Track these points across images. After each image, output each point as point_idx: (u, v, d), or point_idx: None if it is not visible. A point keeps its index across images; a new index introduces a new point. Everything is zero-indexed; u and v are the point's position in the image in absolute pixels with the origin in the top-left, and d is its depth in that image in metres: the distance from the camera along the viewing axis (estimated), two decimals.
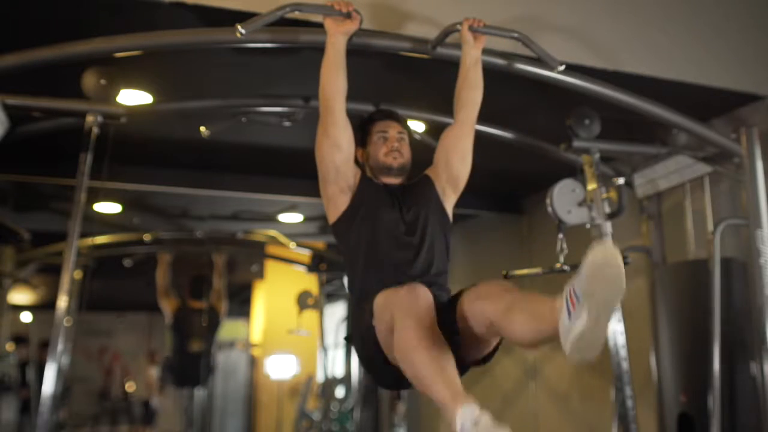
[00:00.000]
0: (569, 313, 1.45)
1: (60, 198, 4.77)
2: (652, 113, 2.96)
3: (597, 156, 3.39)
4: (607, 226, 3.33)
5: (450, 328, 1.83)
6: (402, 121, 2.32)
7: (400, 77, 3.16)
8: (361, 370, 6.61)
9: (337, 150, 2.13)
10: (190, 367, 6.03)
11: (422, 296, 1.75)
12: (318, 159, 2.16)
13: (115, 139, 2.89)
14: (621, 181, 3.31)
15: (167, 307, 6.03)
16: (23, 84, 2.73)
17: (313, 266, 6.63)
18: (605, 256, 1.41)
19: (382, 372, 1.96)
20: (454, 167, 2.27)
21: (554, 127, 3.37)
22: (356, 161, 2.23)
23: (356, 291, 2.12)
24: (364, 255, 2.11)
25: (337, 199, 2.17)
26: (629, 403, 3.26)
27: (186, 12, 2.37)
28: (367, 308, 1.89)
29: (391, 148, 2.23)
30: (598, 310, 1.40)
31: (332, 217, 2.19)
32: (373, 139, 2.26)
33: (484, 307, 1.73)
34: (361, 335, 1.94)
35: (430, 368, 1.60)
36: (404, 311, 1.70)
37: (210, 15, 2.40)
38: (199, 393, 7.50)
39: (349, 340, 2.13)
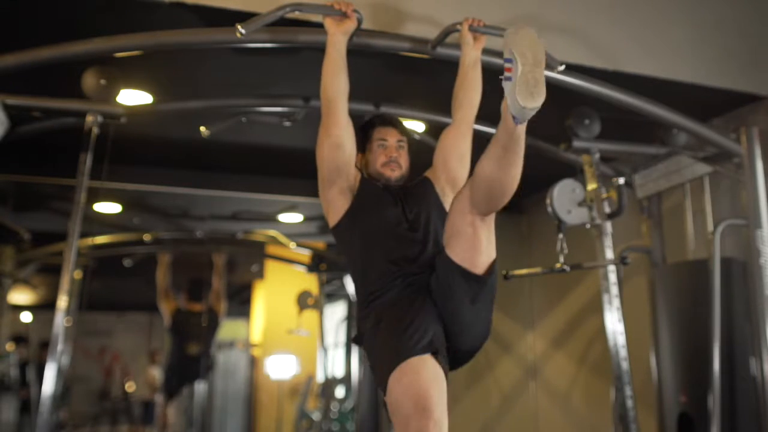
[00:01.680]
0: (510, 78, 1.62)
1: (60, 198, 4.77)
2: (652, 113, 2.96)
3: (597, 156, 3.39)
4: (607, 226, 3.34)
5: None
6: (402, 128, 2.29)
7: (400, 77, 3.16)
8: (361, 370, 6.61)
9: (339, 150, 2.11)
10: (188, 369, 6.03)
11: (432, 367, 1.79)
12: (319, 160, 2.14)
13: (115, 139, 2.89)
14: (621, 181, 3.32)
15: (166, 309, 6.03)
16: (23, 84, 2.74)
17: (313, 266, 6.63)
18: (514, 26, 1.66)
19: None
20: (453, 168, 2.26)
21: (554, 127, 3.37)
22: (355, 165, 2.22)
23: (362, 292, 2.10)
24: (369, 254, 2.08)
25: (337, 201, 2.14)
26: (629, 403, 3.26)
27: (186, 12, 2.37)
28: (385, 355, 1.87)
29: (390, 158, 2.20)
30: (527, 54, 1.60)
31: (333, 220, 2.17)
32: (373, 146, 2.23)
33: (459, 198, 1.87)
34: (376, 366, 1.94)
35: None
36: (416, 414, 1.71)
37: (210, 15, 2.40)
38: (200, 393, 7.50)
39: (357, 341, 2.11)
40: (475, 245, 1.85)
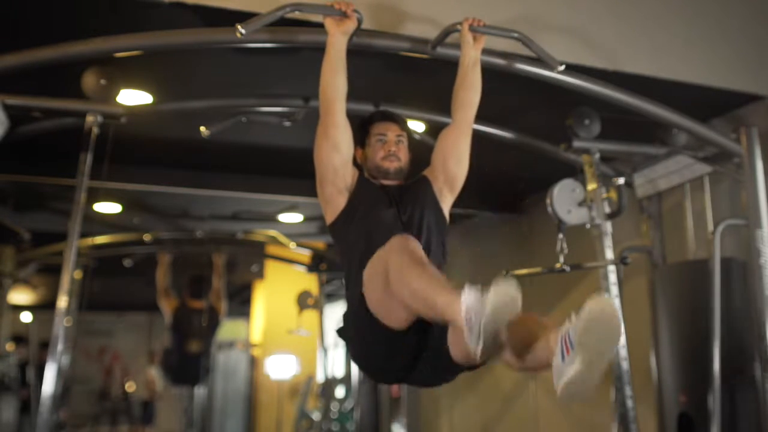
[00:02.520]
0: (563, 357, 1.47)
1: (60, 198, 4.77)
2: (652, 113, 2.95)
3: (597, 156, 3.39)
4: (607, 226, 3.34)
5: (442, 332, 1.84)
6: (401, 123, 2.30)
7: (400, 77, 3.16)
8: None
9: (336, 151, 2.12)
10: (188, 367, 6.03)
11: (411, 238, 1.85)
12: (316, 160, 2.15)
13: (115, 139, 2.89)
14: (621, 181, 3.32)
15: (167, 307, 6.03)
16: (23, 84, 2.74)
17: (313, 266, 6.63)
18: (602, 309, 1.44)
19: (375, 358, 1.97)
20: (451, 168, 2.27)
21: (554, 127, 3.37)
22: (354, 161, 2.23)
23: (354, 291, 2.12)
24: (362, 254, 2.10)
25: (334, 199, 2.16)
26: (629, 403, 3.26)
27: (186, 12, 2.37)
28: (357, 281, 1.92)
29: (389, 152, 2.22)
30: (591, 359, 1.43)
31: (329, 217, 2.19)
32: (372, 140, 2.25)
33: None
34: (354, 317, 1.95)
35: (425, 280, 1.65)
36: (396, 251, 1.76)
37: (210, 15, 2.40)
38: (199, 393, 7.50)
39: (341, 333, 2.12)
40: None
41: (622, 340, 3.31)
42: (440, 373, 1.95)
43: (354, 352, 2.07)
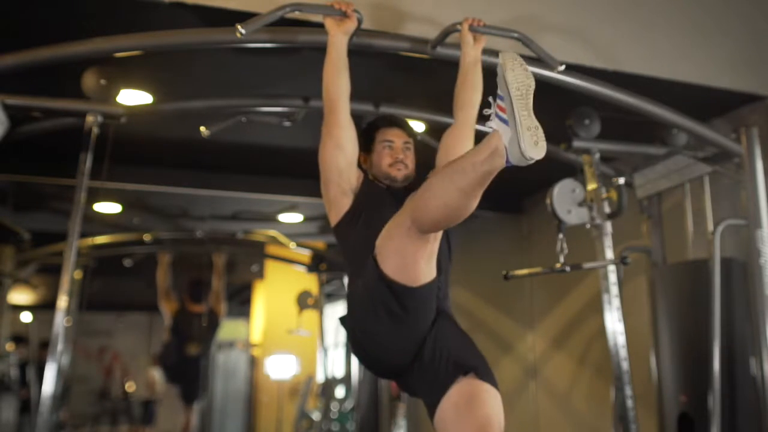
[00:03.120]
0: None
1: (60, 198, 4.77)
2: (652, 113, 2.95)
3: (597, 156, 3.39)
4: (607, 226, 3.34)
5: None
6: (408, 129, 2.28)
7: (400, 77, 3.16)
8: (361, 369, 6.61)
9: (340, 151, 2.11)
10: (187, 368, 6.03)
11: None
12: (321, 160, 2.14)
13: (115, 139, 2.89)
14: (621, 181, 3.32)
15: (167, 309, 6.03)
16: (23, 84, 2.74)
17: (313, 266, 6.63)
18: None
19: (378, 344, 1.95)
20: None
21: (554, 127, 3.36)
22: (358, 165, 2.22)
23: (361, 277, 2.09)
24: (366, 254, 2.09)
25: (339, 201, 2.14)
26: (629, 403, 3.26)
27: (186, 12, 2.37)
28: (362, 274, 1.91)
29: (396, 159, 2.19)
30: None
31: (334, 219, 2.17)
32: (378, 147, 2.22)
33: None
34: (363, 284, 1.91)
35: (464, 163, 1.64)
36: (422, 198, 1.72)
37: (210, 15, 2.40)
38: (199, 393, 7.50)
39: (344, 321, 2.09)
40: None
41: (622, 339, 3.31)
42: (433, 377, 1.91)
43: (357, 340, 2.04)
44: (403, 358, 1.94)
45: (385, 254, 1.82)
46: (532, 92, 1.55)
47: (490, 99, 1.62)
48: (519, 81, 1.54)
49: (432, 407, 1.87)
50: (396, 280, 1.80)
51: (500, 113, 1.55)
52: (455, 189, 1.63)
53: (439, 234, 1.82)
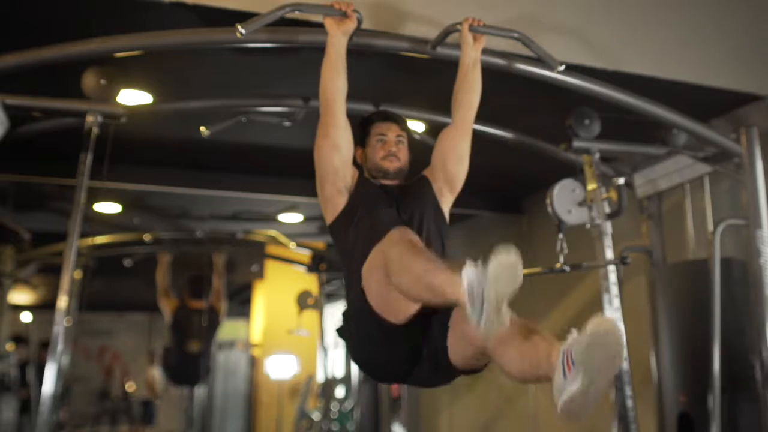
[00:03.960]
0: (564, 374, 1.46)
1: (60, 198, 4.77)
2: (652, 113, 2.95)
3: (597, 156, 3.39)
4: (607, 226, 3.33)
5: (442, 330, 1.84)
6: (402, 123, 2.30)
7: (400, 77, 3.16)
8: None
9: (336, 151, 2.12)
10: (188, 367, 6.03)
11: (408, 230, 1.89)
12: (317, 159, 2.15)
13: (115, 139, 2.89)
14: (621, 181, 3.31)
15: (167, 307, 6.03)
16: (23, 84, 2.73)
17: (313, 266, 6.62)
18: (606, 330, 1.43)
19: (375, 357, 1.97)
20: (451, 169, 2.27)
21: (554, 127, 3.37)
22: (354, 161, 2.23)
23: (354, 289, 2.11)
24: (362, 253, 2.10)
25: (334, 199, 2.16)
26: (629, 403, 3.26)
27: (186, 12, 2.37)
28: (356, 277, 1.92)
29: (389, 152, 2.22)
30: (592, 378, 1.42)
31: (329, 217, 2.19)
32: (372, 141, 2.26)
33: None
34: (354, 314, 1.95)
35: (424, 263, 1.65)
36: (394, 241, 1.78)
37: (210, 15, 2.40)
38: (199, 393, 7.50)
39: (341, 332, 2.12)
40: (472, 362, 1.82)
41: (622, 339, 3.31)
42: (439, 374, 1.94)
43: (354, 351, 2.07)
44: (401, 368, 1.96)
45: (368, 291, 1.86)
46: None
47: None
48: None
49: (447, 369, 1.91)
50: (383, 316, 1.83)
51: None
52: (406, 272, 1.67)
53: None
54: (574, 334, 1.47)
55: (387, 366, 1.98)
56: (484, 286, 1.45)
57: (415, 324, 1.85)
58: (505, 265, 1.45)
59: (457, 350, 1.81)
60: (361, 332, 1.94)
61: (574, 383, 1.43)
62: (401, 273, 1.68)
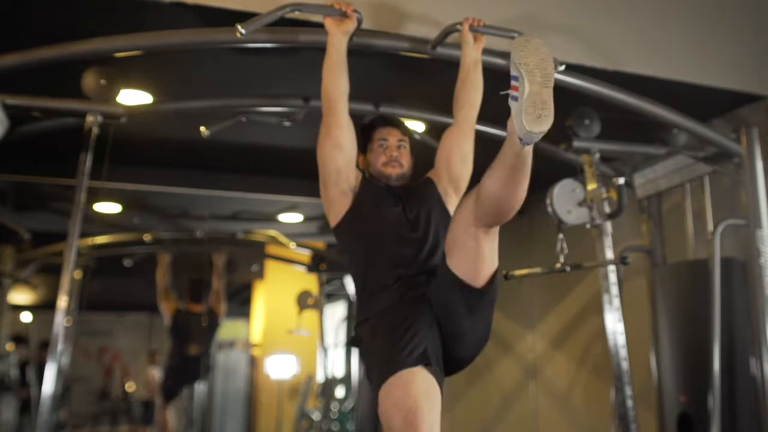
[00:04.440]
0: (515, 98, 1.55)
1: (60, 198, 4.77)
2: (652, 113, 2.95)
3: (597, 156, 3.39)
4: (607, 226, 3.33)
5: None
6: (403, 128, 2.29)
7: (400, 77, 3.16)
8: (361, 370, 6.61)
9: (339, 151, 2.11)
10: (188, 369, 6.03)
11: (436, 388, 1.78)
12: (320, 160, 2.14)
13: (115, 139, 2.89)
14: (621, 181, 3.32)
15: (166, 309, 6.03)
16: (23, 84, 2.74)
17: (313, 266, 6.63)
18: (522, 37, 1.59)
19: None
20: (455, 169, 2.26)
21: (554, 127, 3.36)
22: (357, 166, 2.22)
23: (361, 292, 2.11)
24: (368, 254, 2.09)
25: (338, 201, 2.15)
26: (629, 403, 3.26)
27: (186, 12, 2.37)
28: (381, 363, 1.84)
29: (391, 158, 2.21)
30: (535, 72, 1.53)
31: (334, 220, 2.17)
32: (374, 146, 2.24)
33: (463, 206, 1.83)
34: (371, 373, 1.91)
35: None
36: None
37: (210, 15, 2.40)
38: (200, 393, 7.50)
39: (354, 343, 2.11)
40: (477, 258, 1.81)
41: (622, 339, 3.31)
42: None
43: (364, 363, 2.07)
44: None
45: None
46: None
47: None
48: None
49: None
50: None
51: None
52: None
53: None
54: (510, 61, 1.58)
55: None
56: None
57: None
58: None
59: (460, 258, 1.83)
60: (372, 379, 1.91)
61: (524, 88, 1.51)
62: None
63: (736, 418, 3.13)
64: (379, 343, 1.89)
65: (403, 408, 1.69)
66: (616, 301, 3.35)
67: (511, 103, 1.56)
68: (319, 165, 2.15)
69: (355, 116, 2.20)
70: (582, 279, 4.46)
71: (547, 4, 2.90)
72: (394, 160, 2.21)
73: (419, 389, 1.73)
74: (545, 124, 1.51)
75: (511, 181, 1.68)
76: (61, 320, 2.66)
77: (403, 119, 2.53)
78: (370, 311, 2.02)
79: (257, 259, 7.69)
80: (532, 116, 1.49)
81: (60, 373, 2.78)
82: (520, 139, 1.55)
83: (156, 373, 8.55)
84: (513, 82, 1.56)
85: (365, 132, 2.28)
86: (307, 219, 5.73)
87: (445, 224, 2.19)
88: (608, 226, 3.34)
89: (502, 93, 1.60)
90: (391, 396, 1.74)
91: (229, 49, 2.73)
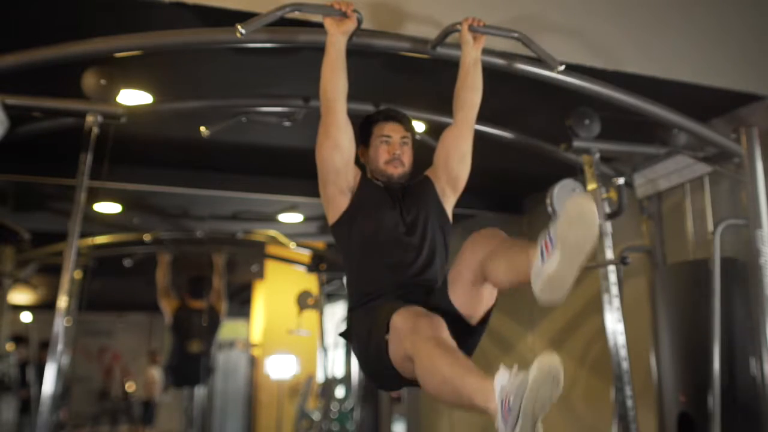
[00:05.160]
0: (542, 257, 1.54)
1: (60, 198, 4.77)
2: (652, 113, 2.95)
3: (597, 156, 3.39)
4: (607, 226, 3.34)
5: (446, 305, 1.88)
6: (406, 123, 2.28)
7: (400, 77, 3.16)
8: (361, 370, 6.61)
9: (337, 151, 2.11)
10: (189, 367, 6.03)
11: (442, 327, 1.73)
12: (318, 160, 2.14)
13: (115, 139, 2.89)
14: (621, 181, 3.32)
15: (167, 307, 6.03)
16: (23, 84, 2.74)
17: (313, 266, 6.63)
18: (581, 202, 1.53)
19: (384, 376, 1.95)
20: (454, 168, 2.26)
21: (554, 127, 3.37)
22: (356, 160, 2.22)
23: (356, 292, 2.12)
24: (364, 255, 2.10)
25: (336, 200, 2.15)
26: (629, 403, 3.26)
27: (186, 12, 2.37)
28: (379, 320, 1.85)
29: (393, 156, 2.20)
30: (570, 252, 1.50)
31: (332, 218, 2.18)
32: (376, 141, 2.23)
33: (475, 251, 1.82)
34: (370, 344, 1.91)
35: (454, 366, 1.57)
36: (425, 339, 1.66)
37: (210, 15, 2.40)
38: (199, 393, 7.50)
39: (346, 336, 2.12)
40: (476, 299, 1.86)
41: (622, 339, 3.31)
42: None
43: (357, 356, 2.07)
44: (407, 383, 1.96)
45: (391, 350, 1.80)
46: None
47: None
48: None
49: None
50: (398, 369, 1.81)
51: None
52: (439, 386, 1.58)
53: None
54: (555, 219, 1.56)
55: (395, 382, 1.97)
56: (521, 397, 1.36)
57: None
58: (548, 371, 1.36)
59: (461, 294, 1.87)
60: (377, 364, 1.90)
61: (553, 260, 1.50)
62: (427, 372, 1.61)
63: (736, 418, 3.13)
64: (369, 318, 1.93)
65: (409, 329, 1.71)
66: (616, 301, 3.35)
67: (536, 261, 1.57)
68: (318, 164, 2.15)
69: (355, 116, 2.20)
70: (582, 279, 4.44)
71: (547, 4, 2.90)
72: (397, 158, 2.21)
73: (415, 311, 1.78)
74: (556, 299, 1.54)
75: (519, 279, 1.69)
76: (61, 320, 2.66)
77: None
78: (359, 302, 2.06)
79: (257, 259, 7.70)
80: (546, 291, 1.52)
81: (60, 373, 2.77)
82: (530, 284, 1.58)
83: (156, 373, 8.56)
84: (548, 240, 1.55)
85: (368, 124, 2.26)
86: (307, 219, 5.73)
87: (442, 224, 2.20)
88: (608, 226, 3.34)
89: (541, 243, 1.56)
90: (396, 336, 1.75)
91: (229, 49, 2.73)
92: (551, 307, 4.91)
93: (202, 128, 3.30)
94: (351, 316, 2.10)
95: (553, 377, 1.36)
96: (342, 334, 2.13)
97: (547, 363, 1.37)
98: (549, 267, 1.51)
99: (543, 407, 1.36)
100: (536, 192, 4.88)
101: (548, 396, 1.36)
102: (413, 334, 1.68)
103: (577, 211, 1.50)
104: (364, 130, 2.26)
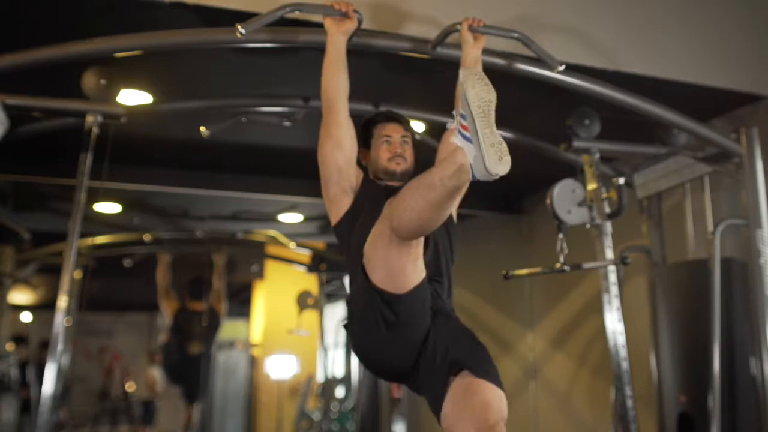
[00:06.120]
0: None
1: (60, 198, 4.78)
2: (652, 113, 2.96)
3: (597, 156, 3.39)
4: (607, 226, 3.33)
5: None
6: (406, 123, 2.29)
7: (400, 77, 3.16)
8: (361, 369, 6.61)
9: (339, 150, 2.12)
10: (188, 367, 6.04)
11: None
12: (320, 160, 2.14)
13: (115, 139, 2.89)
14: (621, 181, 3.31)
15: (167, 308, 6.03)
16: (23, 84, 2.74)
17: (313, 266, 6.63)
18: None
19: (378, 349, 1.94)
20: None
21: (554, 127, 3.37)
22: (358, 162, 2.22)
23: (356, 279, 2.10)
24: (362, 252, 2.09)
25: (339, 200, 2.15)
26: (629, 403, 3.26)
27: (186, 12, 2.37)
28: (359, 275, 1.89)
29: (395, 153, 2.20)
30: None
31: (334, 218, 2.18)
32: (377, 142, 2.23)
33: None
34: (356, 293, 1.92)
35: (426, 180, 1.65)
36: (391, 226, 1.73)
37: (210, 15, 2.40)
38: (199, 393, 7.50)
39: (347, 329, 2.11)
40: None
41: (622, 339, 3.31)
42: (433, 386, 1.91)
43: (356, 342, 2.04)
44: (403, 362, 1.94)
45: (372, 264, 1.82)
46: (494, 107, 1.57)
47: (453, 113, 1.65)
48: (480, 98, 1.57)
49: (437, 410, 1.86)
50: (385, 289, 1.80)
51: (463, 131, 1.58)
52: (426, 202, 1.63)
53: (422, 237, 1.81)
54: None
55: (388, 357, 1.94)
56: (467, 105, 1.55)
57: (417, 307, 1.85)
58: (474, 74, 1.58)
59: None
60: (364, 318, 1.89)
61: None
62: (408, 205, 1.67)
63: (736, 418, 3.13)
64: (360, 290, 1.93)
65: (377, 235, 1.78)
66: (616, 301, 3.35)
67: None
68: (320, 164, 2.15)
69: (355, 116, 2.20)
70: (582, 279, 4.46)
71: (547, 4, 2.91)
72: (399, 155, 2.21)
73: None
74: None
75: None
76: (61, 320, 2.66)
77: None
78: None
79: (257, 259, 7.70)
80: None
81: (60, 373, 2.77)
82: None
83: (156, 373, 8.56)
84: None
85: (367, 127, 2.27)
86: (307, 219, 5.73)
87: (446, 225, 2.19)
88: (608, 226, 3.34)
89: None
90: (371, 247, 1.81)
91: (229, 49, 2.73)
92: (551, 309, 4.91)
93: (202, 128, 3.30)
94: (350, 309, 2.09)
95: (479, 77, 1.59)
96: (345, 326, 2.12)
97: (470, 72, 1.60)
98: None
99: (489, 106, 1.56)
100: (536, 192, 4.88)
101: (487, 97, 1.57)
102: (381, 232, 1.76)
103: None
104: (364, 132, 2.26)
